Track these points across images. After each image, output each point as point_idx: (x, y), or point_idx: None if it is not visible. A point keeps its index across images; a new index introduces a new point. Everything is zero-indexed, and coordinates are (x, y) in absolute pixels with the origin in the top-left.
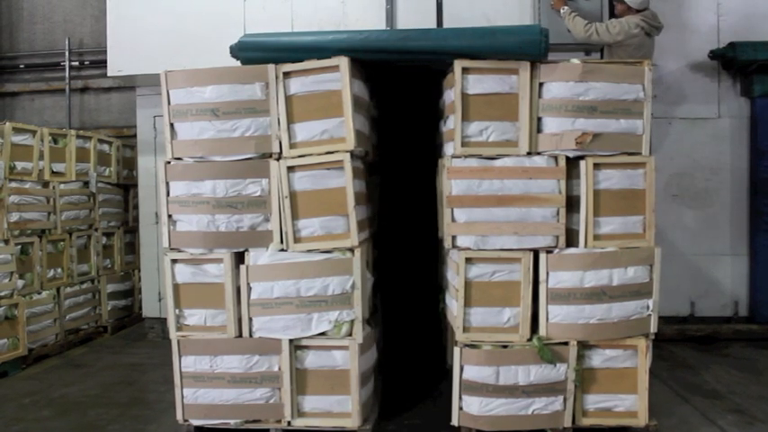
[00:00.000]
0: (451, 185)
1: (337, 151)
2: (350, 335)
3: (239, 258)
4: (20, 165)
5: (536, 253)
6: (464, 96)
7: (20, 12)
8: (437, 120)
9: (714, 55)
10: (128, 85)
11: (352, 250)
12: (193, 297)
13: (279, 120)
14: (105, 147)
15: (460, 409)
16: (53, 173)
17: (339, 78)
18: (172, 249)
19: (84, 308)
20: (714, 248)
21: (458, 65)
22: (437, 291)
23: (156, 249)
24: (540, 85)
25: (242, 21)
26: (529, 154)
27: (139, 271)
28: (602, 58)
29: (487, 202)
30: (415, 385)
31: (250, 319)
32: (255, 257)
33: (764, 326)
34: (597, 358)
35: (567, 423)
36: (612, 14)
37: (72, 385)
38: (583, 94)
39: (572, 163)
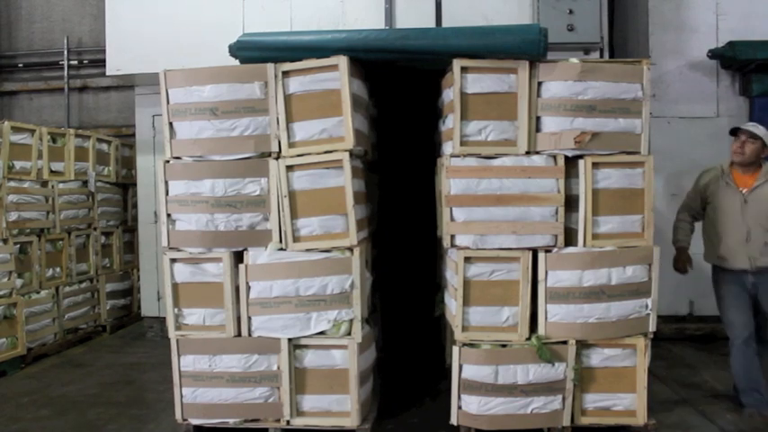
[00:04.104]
0: (450, 185)
1: (336, 150)
2: (349, 334)
3: (238, 258)
4: (18, 164)
5: (535, 252)
6: (463, 95)
7: (18, 11)
8: (436, 119)
9: (713, 54)
10: (126, 84)
11: (351, 249)
12: (192, 296)
13: (278, 119)
14: (104, 146)
15: (459, 408)
16: (52, 172)
17: (338, 77)
18: (171, 248)
19: (82, 307)
20: None
21: (457, 64)
22: (436, 290)
23: (155, 248)
24: (539, 84)
25: (241, 20)
26: (528, 153)
27: (138, 270)
28: None
29: (486, 201)
30: (414, 384)
31: (249, 319)
32: (254, 257)
33: None
34: (596, 357)
35: (566, 422)
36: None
37: (71, 384)
38: (581, 94)
39: (571, 162)
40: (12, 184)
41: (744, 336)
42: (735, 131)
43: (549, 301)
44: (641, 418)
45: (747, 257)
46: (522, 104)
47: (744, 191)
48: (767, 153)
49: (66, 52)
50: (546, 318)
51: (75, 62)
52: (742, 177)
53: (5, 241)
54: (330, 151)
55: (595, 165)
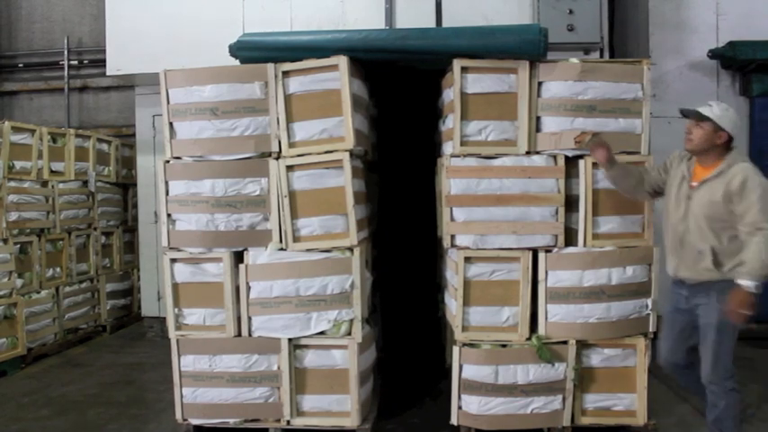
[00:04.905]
0: (450, 185)
1: (336, 150)
2: (349, 334)
3: (238, 257)
4: (19, 164)
5: (535, 252)
6: (463, 95)
7: (18, 11)
8: (436, 119)
9: (713, 54)
10: (127, 84)
11: (351, 249)
12: (192, 296)
13: (278, 119)
14: (104, 146)
15: (460, 408)
16: (52, 172)
17: (338, 77)
18: (171, 248)
19: (83, 307)
20: None
21: (457, 64)
22: (436, 290)
23: (156, 249)
24: (539, 84)
25: (241, 20)
26: (528, 153)
27: (138, 270)
28: None
29: (486, 201)
30: (415, 384)
31: (249, 319)
32: (255, 257)
33: (763, 325)
34: (596, 357)
35: (566, 422)
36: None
37: (71, 384)
38: (582, 94)
39: (571, 162)
40: (12, 184)
41: (669, 363)
42: (687, 113)
43: (550, 301)
44: (641, 418)
45: (676, 265)
46: (522, 104)
47: (694, 185)
48: (724, 138)
49: (66, 52)
50: (546, 318)
51: (76, 62)
52: (699, 169)
53: (5, 241)
54: (330, 151)
55: (595, 165)
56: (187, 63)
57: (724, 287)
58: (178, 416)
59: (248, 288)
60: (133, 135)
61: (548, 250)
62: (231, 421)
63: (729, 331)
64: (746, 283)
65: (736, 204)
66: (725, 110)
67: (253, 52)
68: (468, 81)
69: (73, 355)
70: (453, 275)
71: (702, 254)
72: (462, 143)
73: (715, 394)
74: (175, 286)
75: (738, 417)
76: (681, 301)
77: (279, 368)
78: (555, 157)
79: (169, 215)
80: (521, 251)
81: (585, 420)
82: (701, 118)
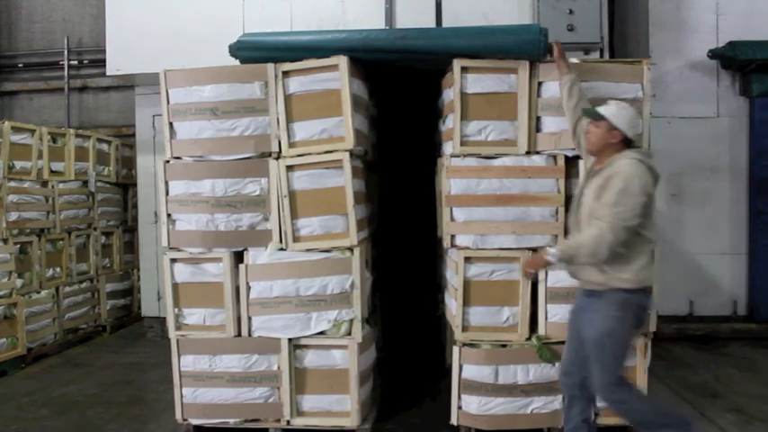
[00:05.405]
0: (450, 185)
1: (336, 150)
2: (349, 334)
3: (238, 258)
4: (19, 164)
5: (535, 252)
6: (463, 95)
7: (18, 11)
8: (436, 119)
9: (713, 54)
10: (127, 84)
11: (351, 249)
12: (192, 296)
13: (278, 119)
14: (104, 146)
15: (459, 408)
16: (52, 172)
17: (338, 77)
18: (171, 248)
19: (83, 307)
20: (713, 247)
21: (457, 64)
22: (436, 290)
23: (156, 248)
24: (539, 84)
25: (241, 20)
26: (528, 153)
27: (138, 270)
28: None
29: (486, 201)
30: (415, 384)
31: (249, 319)
32: (255, 257)
33: (763, 325)
34: None
35: None
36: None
37: (71, 384)
38: None
39: (571, 162)
40: (12, 184)
41: (561, 380)
42: (587, 113)
43: (549, 301)
44: None
45: (574, 269)
46: (522, 104)
47: (584, 185)
48: (618, 138)
49: (66, 52)
50: (546, 318)
51: (76, 62)
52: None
53: (5, 241)
54: (330, 151)
55: None
56: (187, 63)
57: (609, 298)
58: (178, 416)
59: (248, 288)
60: (133, 135)
61: None
62: (231, 421)
63: (612, 343)
64: (552, 251)
65: (601, 200)
66: (622, 108)
67: (253, 52)
68: (468, 81)
69: (73, 355)
70: (453, 275)
71: None
72: (462, 143)
73: (613, 407)
74: (175, 286)
75: (653, 407)
76: (575, 309)
77: (279, 368)
78: (555, 157)
79: (169, 215)
80: (521, 251)
81: None
82: (597, 117)
